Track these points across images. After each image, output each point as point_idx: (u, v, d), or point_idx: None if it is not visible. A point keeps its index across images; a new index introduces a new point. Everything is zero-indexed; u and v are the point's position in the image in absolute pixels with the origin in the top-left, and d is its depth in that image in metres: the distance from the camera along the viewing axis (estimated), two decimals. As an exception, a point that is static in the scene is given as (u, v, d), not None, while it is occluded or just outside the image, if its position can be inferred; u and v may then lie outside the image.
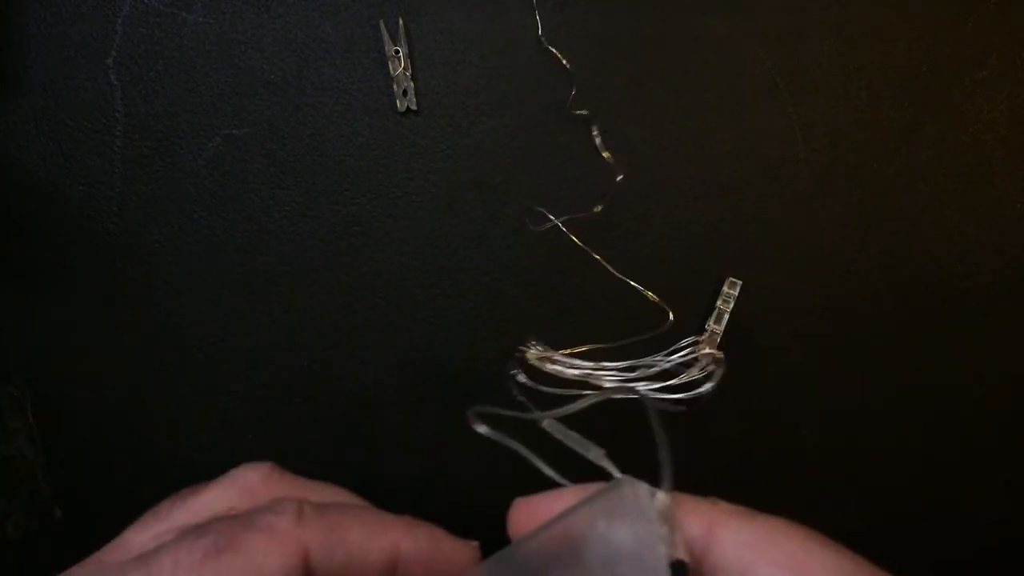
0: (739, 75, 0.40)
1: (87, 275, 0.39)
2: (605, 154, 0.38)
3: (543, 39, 0.38)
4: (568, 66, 0.38)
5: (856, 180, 0.41)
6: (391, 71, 0.38)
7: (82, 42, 0.39)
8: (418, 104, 0.40)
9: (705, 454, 0.41)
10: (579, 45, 0.40)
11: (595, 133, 0.38)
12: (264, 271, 0.40)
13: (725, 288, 0.40)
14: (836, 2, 0.41)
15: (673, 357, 0.37)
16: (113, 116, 0.39)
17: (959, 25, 0.41)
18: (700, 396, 0.36)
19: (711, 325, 0.39)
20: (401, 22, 0.39)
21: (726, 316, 0.39)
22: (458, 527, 0.28)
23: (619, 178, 0.39)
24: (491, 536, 0.27)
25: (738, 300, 0.40)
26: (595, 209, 0.39)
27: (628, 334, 0.38)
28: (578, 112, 0.39)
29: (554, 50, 0.38)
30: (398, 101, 0.39)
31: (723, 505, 0.24)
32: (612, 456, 0.25)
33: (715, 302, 0.40)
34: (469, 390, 0.41)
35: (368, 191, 0.40)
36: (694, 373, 0.36)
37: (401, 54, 0.39)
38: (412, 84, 0.39)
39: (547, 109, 0.40)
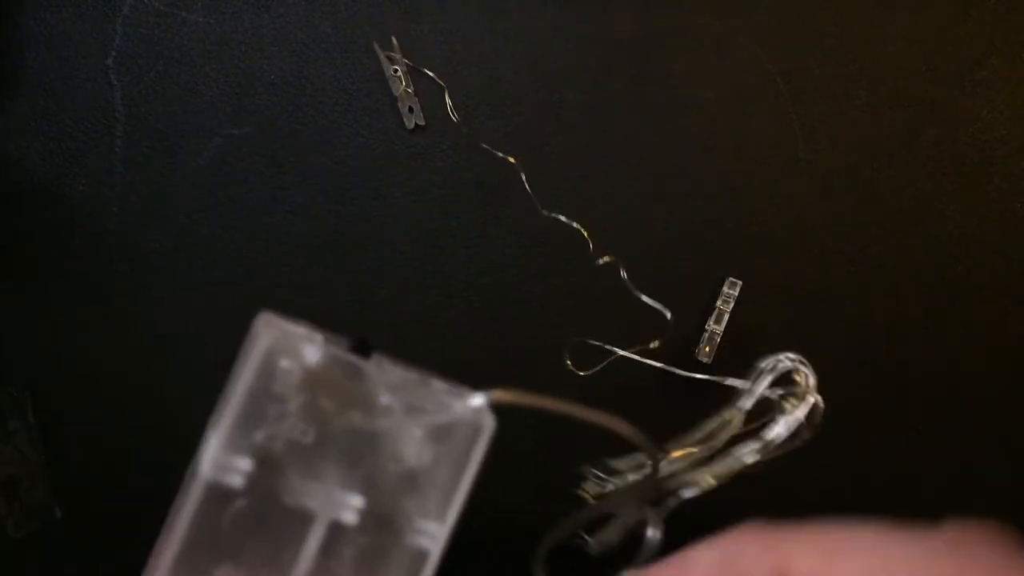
0: (739, 75, 0.40)
1: (87, 275, 0.39)
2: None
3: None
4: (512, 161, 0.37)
5: (856, 180, 0.41)
6: (393, 91, 0.39)
7: (82, 42, 0.39)
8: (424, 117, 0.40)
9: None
10: (579, 45, 0.40)
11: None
12: (264, 271, 0.40)
13: (725, 288, 0.40)
14: (836, 2, 0.41)
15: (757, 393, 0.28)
16: (113, 116, 0.39)
17: (959, 25, 0.41)
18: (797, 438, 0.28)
19: (711, 325, 0.39)
20: (395, 41, 0.39)
21: (726, 316, 0.39)
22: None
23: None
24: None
25: (738, 300, 0.40)
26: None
27: (630, 334, 0.38)
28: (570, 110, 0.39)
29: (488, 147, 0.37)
30: (405, 120, 0.39)
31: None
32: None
33: (715, 302, 0.39)
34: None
35: (368, 191, 0.40)
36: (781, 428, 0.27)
37: (400, 72, 0.39)
38: (417, 100, 0.39)
39: (547, 109, 0.40)
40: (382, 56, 0.38)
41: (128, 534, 0.40)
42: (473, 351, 0.40)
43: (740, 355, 0.40)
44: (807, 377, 0.27)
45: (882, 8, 0.41)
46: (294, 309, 0.40)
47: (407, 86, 0.38)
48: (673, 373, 0.36)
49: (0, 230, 0.39)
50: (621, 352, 0.35)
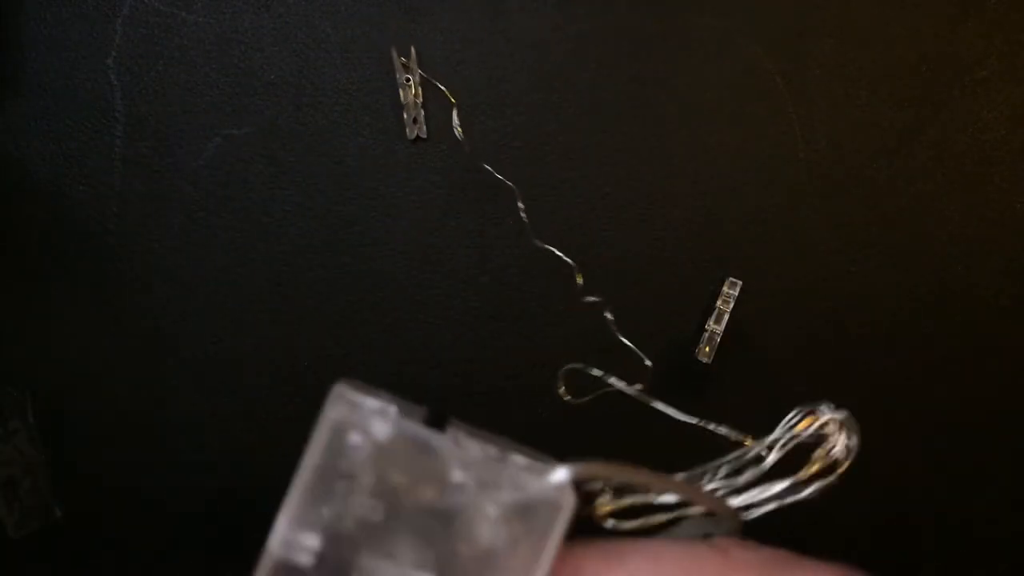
0: (739, 75, 0.40)
1: (87, 275, 0.39)
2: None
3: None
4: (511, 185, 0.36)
5: (856, 180, 0.41)
6: (402, 98, 0.39)
7: (82, 42, 0.39)
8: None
9: (703, 455, 0.41)
10: (579, 45, 0.40)
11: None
12: (264, 271, 0.40)
13: (725, 288, 0.40)
14: (836, 2, 0.41)
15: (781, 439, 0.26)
16: (113, 116, 0.39)
17: (959, 25, 0.41)
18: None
19: (711, 325, 0.39)
20: (413, 50, 0.39)
21: (726, 316, 0.39)
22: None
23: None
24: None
25: (738, 300, 0.40)
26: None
27: (631, 335, 0.38)
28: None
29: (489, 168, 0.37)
30: (408, 130, 0.39)
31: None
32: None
33: (715, 302, 0.40)
34: (469, 390, 0.41)
35: (368, 191, 0.40)
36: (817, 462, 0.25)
37: (412, 82, 0.39)
38: (423, 112, 0.39)
39: (547, 109, 0.40)
40: (397, 63, 0.38)
41: (128, 534, 0.40)
42: (473, 351, 0.40)
43: (740, 355, 0.40)
44: (844, 440, 0.25)
45: (882, 8, 0.41)
46: (293, 309, 0.40)
47: (416, 97, 0.38)
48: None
49: (0, 230, 0.39)
50: (611, 381, 0.35)
